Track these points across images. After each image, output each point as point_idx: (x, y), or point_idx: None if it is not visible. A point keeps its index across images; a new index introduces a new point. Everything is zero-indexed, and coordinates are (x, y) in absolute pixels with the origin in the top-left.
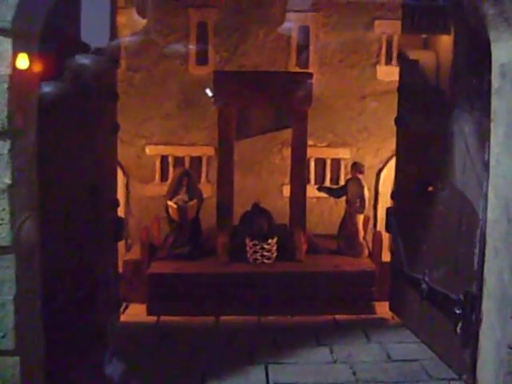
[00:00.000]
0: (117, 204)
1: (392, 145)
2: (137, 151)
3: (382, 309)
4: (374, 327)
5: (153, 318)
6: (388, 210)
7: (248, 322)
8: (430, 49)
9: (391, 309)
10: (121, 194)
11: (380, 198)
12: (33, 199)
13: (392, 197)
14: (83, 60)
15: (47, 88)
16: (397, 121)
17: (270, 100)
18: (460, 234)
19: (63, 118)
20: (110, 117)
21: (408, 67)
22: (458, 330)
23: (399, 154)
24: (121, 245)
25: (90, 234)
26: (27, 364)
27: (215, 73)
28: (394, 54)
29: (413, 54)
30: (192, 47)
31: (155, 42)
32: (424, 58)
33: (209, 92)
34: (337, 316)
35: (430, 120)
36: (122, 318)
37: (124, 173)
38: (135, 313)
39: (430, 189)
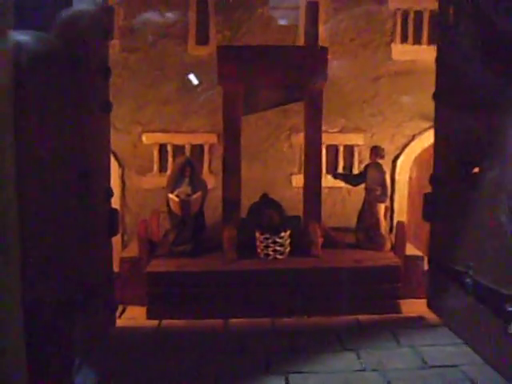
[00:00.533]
0: (110, 194)
1: (408, 130)
2: (133, 139)
3: (408, 307)
4: (402, 328)
5: (153, 322)
6: (426, 196)
7: (261, 325)
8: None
9: (429, 306)
10: (116, 187)
11: (397, 187)
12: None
13: (430, 181)
14: (68, 24)
15: (24, 55)
16: (435, 96)
17: (281, 77)
18: None
19: (45, 92)
20: (100, 94)
21: (448, 34)
22: (510, 331)
23: (438, 132)
24: (116, 241)
25: (78, 227)
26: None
27: (219, 48)
28: (410, 31)
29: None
30: (191, 26)
31: (152, 20)
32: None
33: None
34: (359, 316)
35: (476, 92)
36: (119, 322)
37: (119, 163)
38: (134, 316)
39: (476, 170)
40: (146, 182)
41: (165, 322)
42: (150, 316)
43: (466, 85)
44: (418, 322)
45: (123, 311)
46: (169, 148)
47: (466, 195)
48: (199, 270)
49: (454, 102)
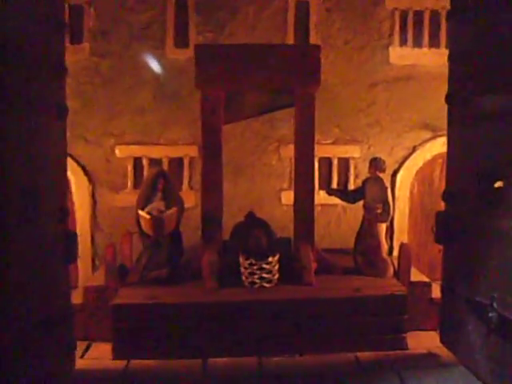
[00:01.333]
0: (65, 213)
1: (408, 141)
2: (105, 153)
3: (415, 342)
4: (410, 368)
5: (120, 363)
6: (438, 215)
7: (246, 365)
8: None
9: (442, 341)
10: (86, 205)
11: (397, 204)
12: None
13: (444, 198)
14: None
15: None
16: (449, 98)
17: (268, 80)
18: None
19: None
20: (54, 97)
21: (463, 28)
22: None
23: (452, 140)
24: (86, 267)
25: (23, 252)
26: None
27: (197, 47)
28: (410, 33)
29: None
30: (170, 27)
31: (125, 20)
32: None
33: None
34: (359, 354)
35: (497, 93)
36: (81, 363)
37: (89, 179)
38: (99, 355)
39: (498, 184)
40: (119, 199)
41: (134, 362)
42: (116, 356)
43: (485, 85)
44: (427, 360)
45: (87, 349)
46: (144, 162)
47: (486, 213)
48: (174, 302)
49: (470, 103)
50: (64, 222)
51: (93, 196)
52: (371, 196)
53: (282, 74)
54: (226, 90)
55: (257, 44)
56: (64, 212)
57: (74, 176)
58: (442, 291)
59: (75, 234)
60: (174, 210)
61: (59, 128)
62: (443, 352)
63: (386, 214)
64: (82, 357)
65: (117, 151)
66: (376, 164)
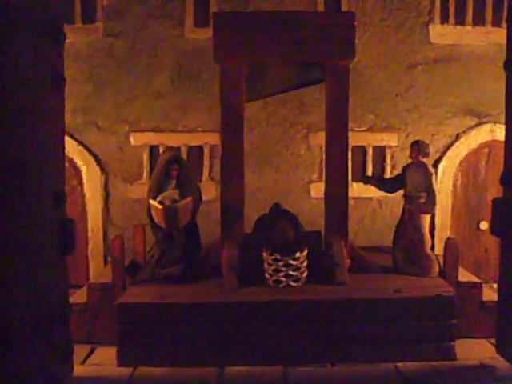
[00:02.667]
0: (62, 199)
1: (451, 129)
2: (118, 141)
3: (464, 351)
4: (458, 381)
5: (125, 370)
6: (496, 201)
7: (268, 375)
8: None
9: (500, 352)
10: (98, 197)
11: (438, 197)
12: None
13: (502, 181)
14: None
15: None
16: (508, 64)
17: (295, 52)
18: None
19: None
20: (48, 63)
21: None
22: None
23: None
24: (97, 265)
25: (11, 244)
26: None
27: (215, 15)
28: (452, 10)
29: None
30: (189, 4)
31: None
32: None
33: None
34: (400, 364)
35: None
36: (82, 369)
37: (102, 169)
38: (103, 361)
39: None
40: (133, 191)
41: (140, 369)
42: (121, 362)
43: None
44: (479, 373)
45: (90, 353)
46: (161, 150)
47: None
48: (187, 302)
49: None
50: (60, 209)
51: (105, 187)
52: (413, 184)
53: (312, 44)
54: (247, 63)
55: (282, 11)
56: (59, 197)
57: (86, 165)
58: (499, 292)
59: (72, 222)
60: (189, 199)
61: (55, 100)
62: (497, 363)
63: (431, 204)
64: (83, 362)
65: (131, 139)
66: (419, 147)
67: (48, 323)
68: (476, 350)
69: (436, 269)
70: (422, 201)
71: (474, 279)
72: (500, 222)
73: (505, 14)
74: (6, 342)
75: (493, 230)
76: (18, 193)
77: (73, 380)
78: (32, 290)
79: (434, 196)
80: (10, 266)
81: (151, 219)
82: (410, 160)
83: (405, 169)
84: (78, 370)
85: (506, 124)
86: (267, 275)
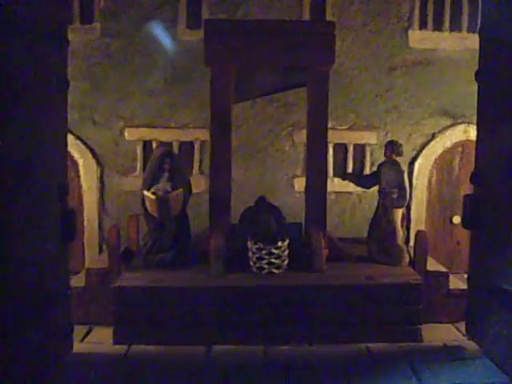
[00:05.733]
0: (64, 191)
1: (427, 128)
2: (114, 136)
3: (429, 334)
4: (423, 361)
5: (120, 348)
6: (467, 198)
7: (251, 353)
8: None
9: (468, 333)
10: (94, 188)
11: (414, 193)
12: None
13: (472, 180)
14: None
15: None
16: (478, 75)
17: (280, 57)
18: None
19: None
20: (53, 67)
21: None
22: None
23: (483, 119)
24: (93, 251)
25: (19, 228)
26: None
27: (207, 22)
28: (430, 16)
29: None
30: (182, 7)
31: (137, 0)
32: None
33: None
34: (371, 345)
35: None
36: (81, 347)
37: (98, 162)
38: (100, 339)
39: None
40: (127, 183)
41: (134, 347)
42: (116, 340)
43: None
44: (442, 353)
45: (88, 333)
46: (154, 145)
47: None
48: (177, 286)
49: (504, 81)
50: (63, 200)
51: (101, 179)
52: (387, 180)
53: (295, 50)
54: (235, 67)
55: (269, 20)
56: (63, 189)
57: (83, 158)
58: (469, 279)
59: (74, 212)
60: (180, 190)
61: (59, 101)
62: (459, 345)
63: (403, 199)
64: (82, 341)
65: (126, 134)
66: (392, 147)
67: (51, 304)
68: (441, 334)
69: (406, 259)
70: (395, 196)
71: (442, 269)
72: (470, 217)
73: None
74: (13, 319)
75: (464, 223)
76: (26, 185)
77: (73, 356)
78: (37, 273)
79: (406, 192)
80: (17, 252)
81: (145, 209)
82: (384, 158)
83: (380, 166)
84: (77, 347)
85: (477, 129)
86: (251, 263)
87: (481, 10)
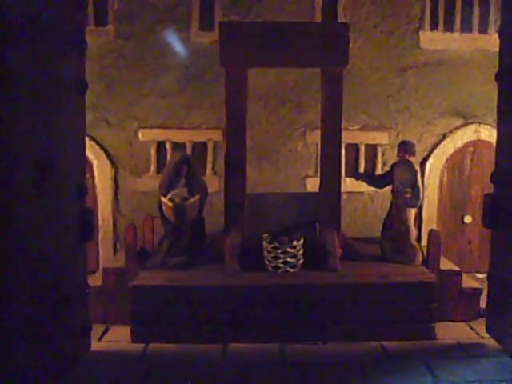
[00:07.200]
0: (83, 191)
1: (438, 128)
2: (128, 136)
3: (443, 332)
4: (437, 358)
5: (138, 346)
6: (487, 197)
7: (267, 352)
8: None
9: (488, 330)
10: (108, 189)
11: (426, 193)
12: None
13: (492, 179)
14: None
15: None
16: (499, 76)
17: (294, 59)
18: None
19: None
20: (72, 71)
21: None
22: None
23: (503, 120)
24: (107, 251)
25: (39, 228)
26: None
27: (222, 25)
28: (441, 17)
29: None
30: (195, 9)
31: (150, 3)
32: None
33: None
34: (386, 343)
35: None
36: (98, 345)
37: (112, 162)
38: (118, 338)
39: None
40: (141, 183)
41: (152, 346)
42: (134, 339)
43: None
44: (456, 351)
45: (105, 332)
46: (168, 146)
47: None
48: (194, 285)
49: None
50: (82, 200)
51: (115, 180)
52: (400, 180)
53: (309, 52)
54: (251, 68)
55: (283, 22)
56: (82, 189)
57: (97, 159)
58: (489, 278)
59: (92, 212)
60: (197, 197)
61: (78, 103)
62: (473, 343)
63: (416, 199)
64: (100, 339)
65: (140, 135)
66: (405, 147)
67: (70, 302)
68: (455, 332)
69: (419, 258)
70: (408, 196)
71: (455, 268)
72: (490, 216)
73: (491, 21)
74: (33, 318)
75: (484, 222)
76: (46, 186)
77: (91, 353)
78: (57, 272)
79: (419, 192)
80: (38, 251)
81: (162, 214)
82: (398, 158)
83: (393, 166)
84: (95, 345)
85: (498, 128)
86: (267, 262)
87: (500, 10)
